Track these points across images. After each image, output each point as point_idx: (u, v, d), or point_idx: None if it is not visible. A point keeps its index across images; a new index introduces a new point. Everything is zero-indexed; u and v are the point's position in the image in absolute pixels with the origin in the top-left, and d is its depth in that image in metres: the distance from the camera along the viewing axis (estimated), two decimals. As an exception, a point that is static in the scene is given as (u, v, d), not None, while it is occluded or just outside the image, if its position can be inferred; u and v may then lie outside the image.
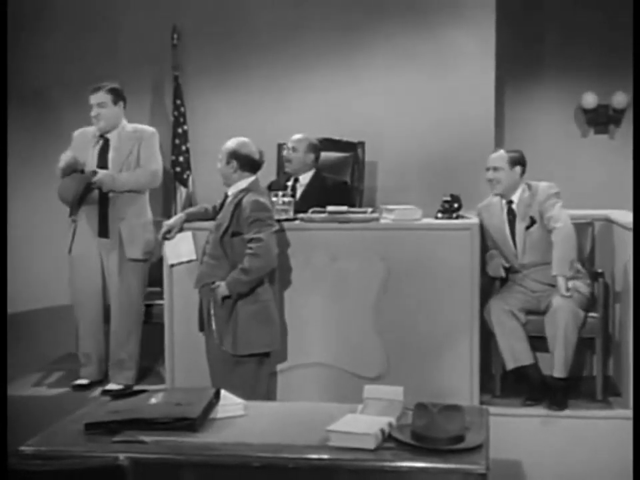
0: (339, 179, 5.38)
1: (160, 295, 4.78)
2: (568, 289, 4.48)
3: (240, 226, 4.20)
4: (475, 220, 4.63)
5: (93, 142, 4.98)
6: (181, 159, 5.99)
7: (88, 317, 4.98)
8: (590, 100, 6.96)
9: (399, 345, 4.51)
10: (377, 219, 4.58)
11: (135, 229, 4.93)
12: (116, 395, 3.58)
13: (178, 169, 5.98)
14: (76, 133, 5.08)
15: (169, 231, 4.50)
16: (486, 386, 4.64)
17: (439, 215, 4.64)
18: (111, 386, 4.87)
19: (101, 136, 4.97)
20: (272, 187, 5.05)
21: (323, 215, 4.55)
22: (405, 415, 3.14)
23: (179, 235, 4.52)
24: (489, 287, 4.76)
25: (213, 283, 4.20)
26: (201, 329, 4.36)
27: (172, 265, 4.56)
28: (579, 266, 4.71)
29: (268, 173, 5.16)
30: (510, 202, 4.73)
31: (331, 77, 5.98)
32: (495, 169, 4.70)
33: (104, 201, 4.90)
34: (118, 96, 4.97)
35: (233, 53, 6.03)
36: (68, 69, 6.00)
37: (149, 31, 5.99)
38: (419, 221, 4.57)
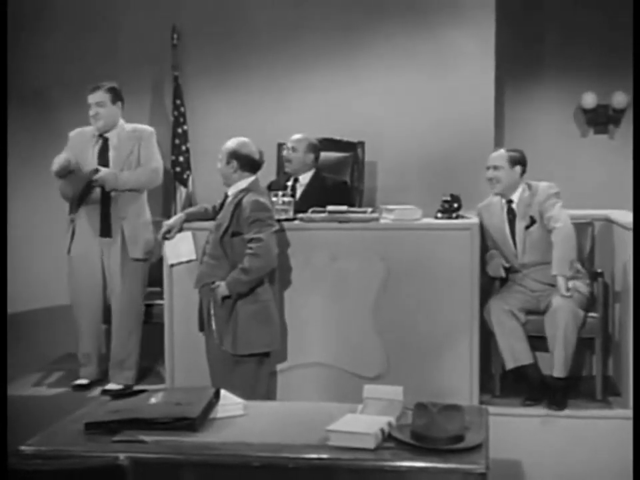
0: (338, 179, 5.38)
1: (160, 295, 4.78)
2: (568, 289, 4.48)
3: (240, 226, 4.20)
4: (474, 220, 4.63)
5: (92, 142, 4.98)
6: (181, 158, 5.98)
7: (88, 316, 4.98)
8: (590, 100, 6.95)
9: (398, 344, 4.51)
10: (377, 219, 4.58)
11: (137, 228, 4.93)
12: (116, 395, 3.58)
13: (178, 169, 5.97)
14: (72, 134, 5.07)
15: (168, 231, 4.50)
16: (486, 386, 4.64)
17: (439, 214, 4.64)
18: (111, 386, 4.87)
19: (100, 135, 4.97)
20: (272, 187, 5.05)
21: (322, 215, 4.55)
22: (404, 414, 3.14)
23: (179, 235, 4.52)
24: (489, 286, 4.76)
25: (213, 282, 4.21)
26: (201, 329, 4.36)
27: (172, 265, 4.56)
28: (578, 266, 4.71)
29: (268, 173, 5.16)
30: (510, 202, 4.73)
31: (331, 77, 5.97)
32: (495, 167, 4.70)
33: (106, 200, 4.89)
34: (116, 95, 4.97)
35: (232, 53, 6.02)
36: (68, 69, 5.99)
37: (149, 31, 5.99)
38: (418, 220, 4.57)
